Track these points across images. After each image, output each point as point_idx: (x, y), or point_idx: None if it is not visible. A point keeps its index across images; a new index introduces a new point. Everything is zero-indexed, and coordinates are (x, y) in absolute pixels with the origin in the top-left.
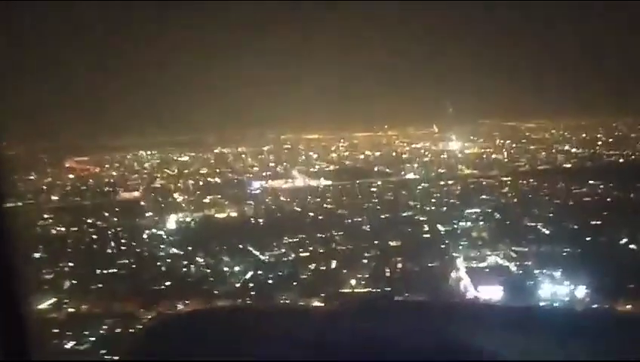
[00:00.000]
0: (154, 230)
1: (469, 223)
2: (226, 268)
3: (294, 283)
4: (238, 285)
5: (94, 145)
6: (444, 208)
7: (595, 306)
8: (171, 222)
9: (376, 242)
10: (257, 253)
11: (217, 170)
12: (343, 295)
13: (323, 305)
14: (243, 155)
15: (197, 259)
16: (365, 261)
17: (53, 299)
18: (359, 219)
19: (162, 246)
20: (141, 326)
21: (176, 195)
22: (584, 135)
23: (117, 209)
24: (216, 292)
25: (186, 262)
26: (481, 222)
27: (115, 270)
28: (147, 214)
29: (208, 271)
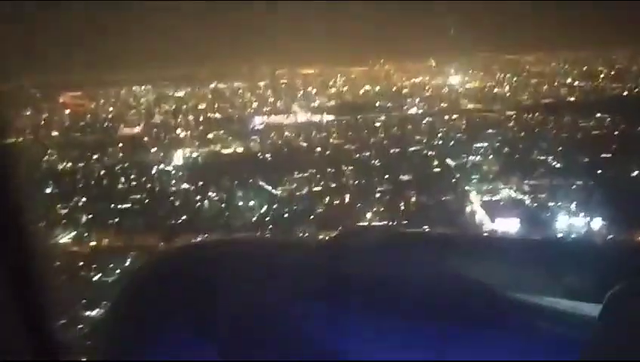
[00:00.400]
0: (162, 166)
1: (478, 157)
2: (240, 203)
3: (311, 217)
4: (254, 219)
5: (87, 80)
6: (452, 142)
7: (609, 237)
8: (178, 157)
9: (387, 176)
10: (270, 188)
11: (216, 106)
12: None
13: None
14: (240, 91)
15: (209, 194)
16: (378, 195)
17: (74, 233)
18: (367, 154)
19: (173, 181)
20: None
21: (178, 131)
22: (585, 68)
23: (120, 144)
24: (232, 225)
25: (199, 197)
26: (491, 156)
27: (129, 205)
28: (152, 150)
29: (222, 205)
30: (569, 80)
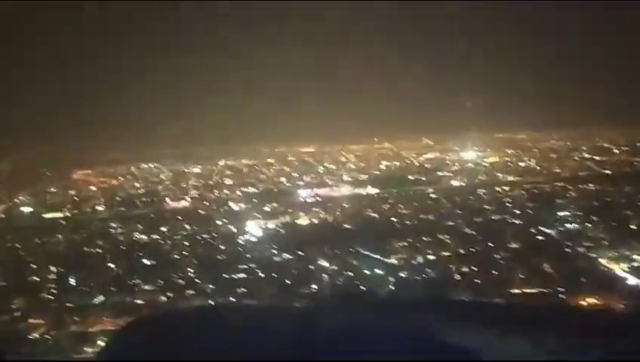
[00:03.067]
0: (246, 236)
1: (574, 225)
2: (366, 272)
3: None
4: (380, 287)
5: (94, 159)
6: (528, 212)
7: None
8: (254, 228)
9: (491, 244)
10: (381, 257)
11: (248, 180)
12: (514, 295)
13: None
14: (256, 167)
15: (319, 262)
16: (502, 261)
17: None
18: (451, 223)
19: (273, 251)
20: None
21: (231, 204)
22: (606, 143)
23: (179, 217)
24: (378, 294)
25: (312, 267)
26: (587, 224)
27: (244, 275)
28: (218, 222)
29: (348, 274)
30: (585, 154)
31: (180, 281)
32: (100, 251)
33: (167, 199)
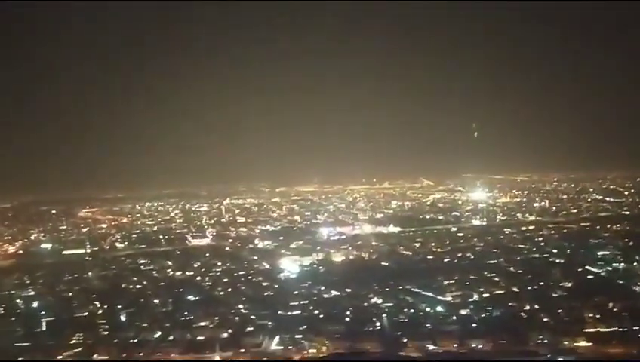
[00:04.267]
0: (285, 273)
1: (621, 264)
2: (428, 309)
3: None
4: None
5: (94, 198)
6: (567, 251)
7: None
8: (290, 265)
9: (541, 283)
10: (436, 295)
11: (261, 218)
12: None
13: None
14: (264, 206)
15: (373, 300)
16: (562, 300)
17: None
18: (492, 261)
19: (319, 287)
20: None
21: (256, 241)
22: (611, 185)
23: (207, 254)
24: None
25: (365, 304)
26: (634, 263)
27: (299, 312)
28: (249, 259)
29: (409, 312)
30: (595, 195)
31: (235, 317)
32: (139, 287)
33: (189, 236)
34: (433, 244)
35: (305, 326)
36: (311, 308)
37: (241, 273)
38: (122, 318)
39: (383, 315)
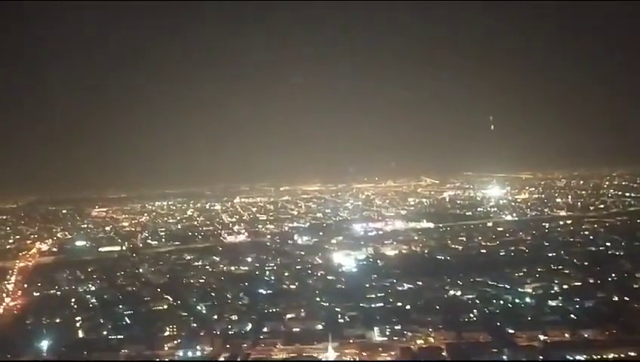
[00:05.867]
0: (344, 267)
1: None
2: (517, 301)
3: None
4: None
5: (101, 198)
6: (620, 244)
7: None
8: (345, 259)
9: (614, 274)
10: (514, 287)
11: (283, 216)
12: None
13: None
14: (278, 204)
15: (452, 292)
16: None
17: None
18: (553, 254)
19: (391, 280)
20: None
21: (295, 237)
22: (622, 182)
23: (250, 250)
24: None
25: (445, 296)
26: None
27: (382, 304)
28: (297, 253)
29: (498, 303)
30: (613, 191)
31: (320, 310)
32: (202, 281)
33: (224, 233)
34: (480, 238)
35: (397, 318)
36: (391, 299)
37: (298, 267)
38: (204, 311)
39: (473, 308)
